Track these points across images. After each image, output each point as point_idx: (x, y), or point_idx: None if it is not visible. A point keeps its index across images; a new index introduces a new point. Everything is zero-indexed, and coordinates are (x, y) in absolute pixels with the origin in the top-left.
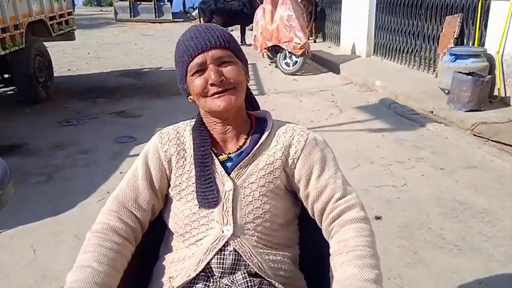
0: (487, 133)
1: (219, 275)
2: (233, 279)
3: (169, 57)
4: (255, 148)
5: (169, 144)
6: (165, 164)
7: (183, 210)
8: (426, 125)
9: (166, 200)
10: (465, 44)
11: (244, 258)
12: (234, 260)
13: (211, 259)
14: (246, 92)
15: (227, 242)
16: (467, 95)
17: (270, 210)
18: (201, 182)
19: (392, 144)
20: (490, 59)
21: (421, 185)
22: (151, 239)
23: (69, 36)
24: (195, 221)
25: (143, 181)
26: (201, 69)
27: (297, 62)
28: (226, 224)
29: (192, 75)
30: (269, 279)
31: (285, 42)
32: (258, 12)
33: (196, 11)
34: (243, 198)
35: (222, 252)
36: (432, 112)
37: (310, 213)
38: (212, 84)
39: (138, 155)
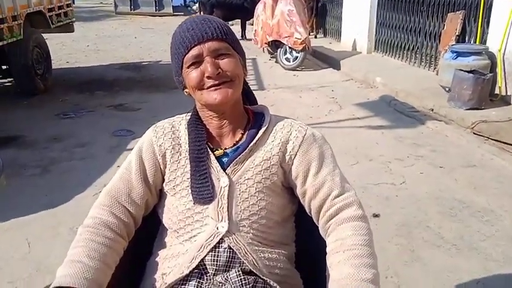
0: (487, 132)
1: (213, 272)
2: (227, 276)
3: (169, 50)
4: (251, 143)
5: (164, 138)
6: (160, 159)
7: (177, 206)
8: (426, 122)
9: (161, 195)
10: (467, 41)
11: (239, 256)
12: (229, 258)
13: (205, 256)
14: (244, 86)
15: (222, 238)
16: (468, 93)
17: (266, 207)
18: (196, 177)
19: (392, 142)
20: (492, 57)
21: (420, 183)
22: (144, 235)
23: (68, 28)
24: (190, 217)
25: (137, 175)
26: (197, 62)
27: (297, 57)
28: (221, 220)
29: (188, 67)
30: (264, 277)
31: (286, 37)
32: (259, 7)
33: (197, 4)
34: (239, 194)
35: (217, 249)
36: (432, 110)
37: (307, 211)
38: (208, 77)
39: None
